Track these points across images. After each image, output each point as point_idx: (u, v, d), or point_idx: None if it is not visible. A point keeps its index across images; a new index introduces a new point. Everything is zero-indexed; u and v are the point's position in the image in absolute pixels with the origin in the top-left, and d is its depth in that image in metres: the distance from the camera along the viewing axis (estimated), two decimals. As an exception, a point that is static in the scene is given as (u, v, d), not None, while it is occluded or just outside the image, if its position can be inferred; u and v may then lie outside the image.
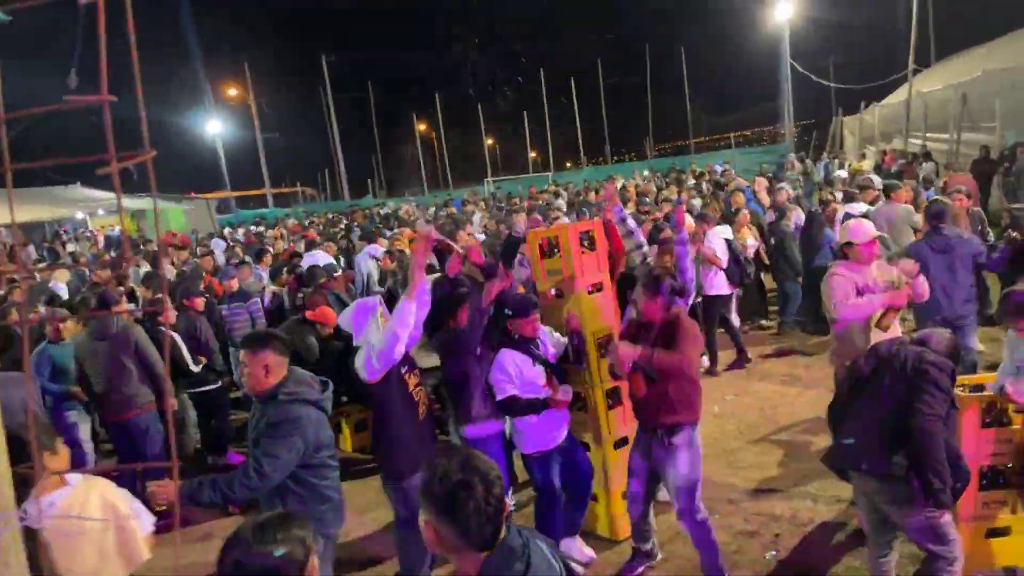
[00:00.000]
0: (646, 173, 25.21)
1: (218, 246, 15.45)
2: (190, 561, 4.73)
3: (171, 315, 6.37)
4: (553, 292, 4.78)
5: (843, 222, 5.58)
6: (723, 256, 7.64)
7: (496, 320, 4.43)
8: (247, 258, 10.38)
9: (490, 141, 50.33)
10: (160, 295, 7.40)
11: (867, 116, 25.69)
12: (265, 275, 9.40)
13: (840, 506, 4.78)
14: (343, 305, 6.97)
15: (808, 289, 8.41)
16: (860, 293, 4.38)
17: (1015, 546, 3.87)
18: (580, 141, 46.59)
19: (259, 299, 7.96)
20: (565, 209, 13.11)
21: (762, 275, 9.60)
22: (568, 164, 50.58)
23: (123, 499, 2.99)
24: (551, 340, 4.51)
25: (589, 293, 4.67)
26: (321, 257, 9.35)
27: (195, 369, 6.36)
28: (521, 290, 5.85)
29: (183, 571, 4.39)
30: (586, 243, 4.70)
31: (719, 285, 7.69)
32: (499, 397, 4.22)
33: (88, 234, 22.92)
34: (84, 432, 6.06)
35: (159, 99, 37.38)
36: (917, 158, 16.82)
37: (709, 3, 50.47)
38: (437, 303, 4.12)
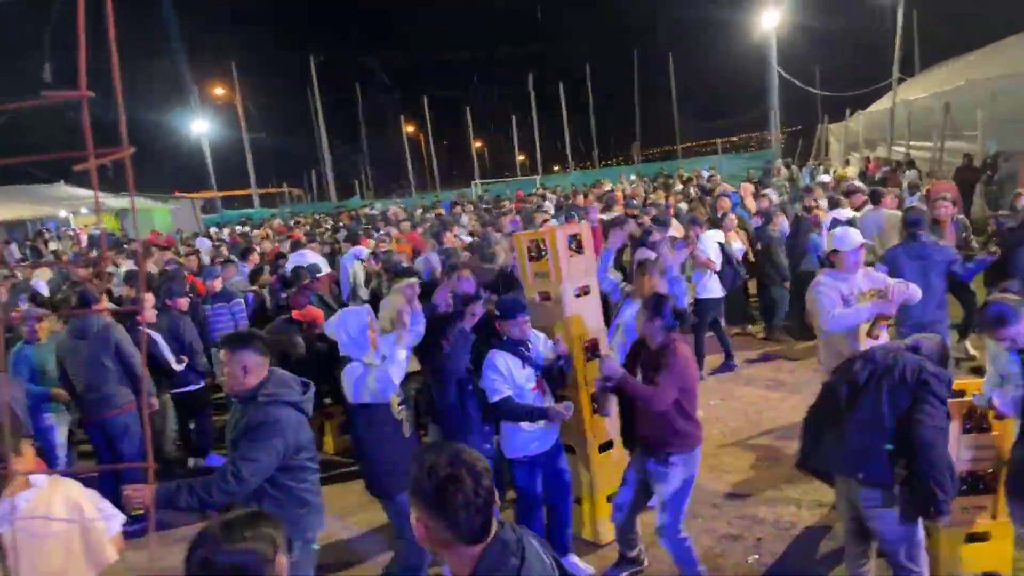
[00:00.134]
0: (633, 177, 25.27)
1: (204, 245, 15.33)
2: (167, 564, 4.70)
3: (150, 314, 6.30)
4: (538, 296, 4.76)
5: (830, 228, 5.58)
6: (716, 260, 7.72)
7: (485, 325, 4.43)
8: (233, 257, 10.30)
9: (478, 144, 50.38)
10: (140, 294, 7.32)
11: (852, 123, 25.93)
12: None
13: (822, 510, 4.81)
14: (326, 306, 6.94)
15: (794, 294, 8.47)
16: (846, 302, 4.33)
17: (993, 551, 3.90)
18: (568, 145, 46.70)
19: (242, 300, 7.90)
20: (553, 212, 13.12)
21: (747, 280, 9.64)
22: (556, 168, 50.65)
23: (90, 500, 2.95)
24: (541, 344, 4.45)
25: (576, 297, 4.66)
26: (310, 257, 9.28)
27: (177, 368, 6.30)
28: None
29: (159, 574, 4.34)
30: (574, 246, 4.69)
31: (713, 288, 7.74)
32: (494, 399, 4.12)
33: (71, 233, 22.68)
34: (60, 436, 5.94)
35: (145, 98, 37.18)
36: (901, 166, 16.98)
37: (698, 10, 50.73)
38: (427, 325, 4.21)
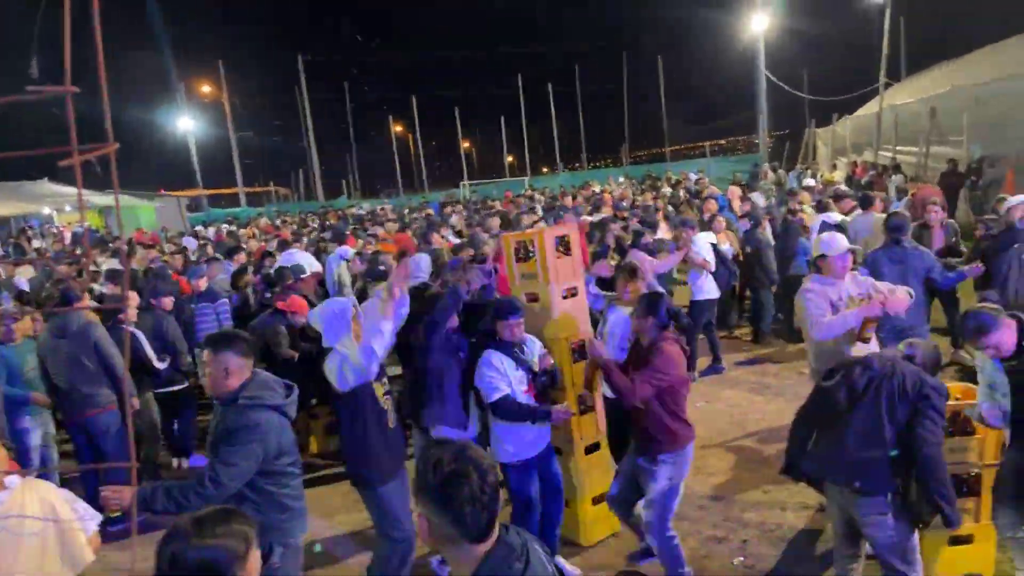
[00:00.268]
0: (621, 179, 25.35)
1: (190, 244, 15.22)
2: (150, 564, 4.65)
3: (132, 312, 6.23)
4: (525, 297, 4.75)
5: (819, 232, 5.59)
6: (711, 260, 7.77)
7: (469, 323, 4.41)
8: (218, 255, 10.21)
9: (466, 144, 50.34)
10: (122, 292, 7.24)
11: (839, 128, 26.08)
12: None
13: (808, 512, 4.82)
14: (311, 307, 6.88)
15: (783, 298, 8.51)
16: (835, 308, 4.30)
17: (977, 554, 3.92)
18: (557, 146, 46.74)
19: (227, 299, 7.83)
20: (541, 213, 13.14)
21: (735, 284, 9.68)
22: (544, 169, 50.68)
23: (64, 501, 2.91)
24: (536, 348, 4.38)
25: (564, 298, 4.65)
26: (299, 256, 9.21)
27: (160, 366, 6.24)
28: None
29: (140, 574, 4.30)
30: (561, 248, 4.68)
31: (709, 289, 7.76)
32: (493, 397, 4.04)
33: (54, 230, 22.43)
34: (36, 438, 5.83)
35: (131, 95, 36.85)
36: (887, 170, 17.12)
37: (687, 14, 50.96)
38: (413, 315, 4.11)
